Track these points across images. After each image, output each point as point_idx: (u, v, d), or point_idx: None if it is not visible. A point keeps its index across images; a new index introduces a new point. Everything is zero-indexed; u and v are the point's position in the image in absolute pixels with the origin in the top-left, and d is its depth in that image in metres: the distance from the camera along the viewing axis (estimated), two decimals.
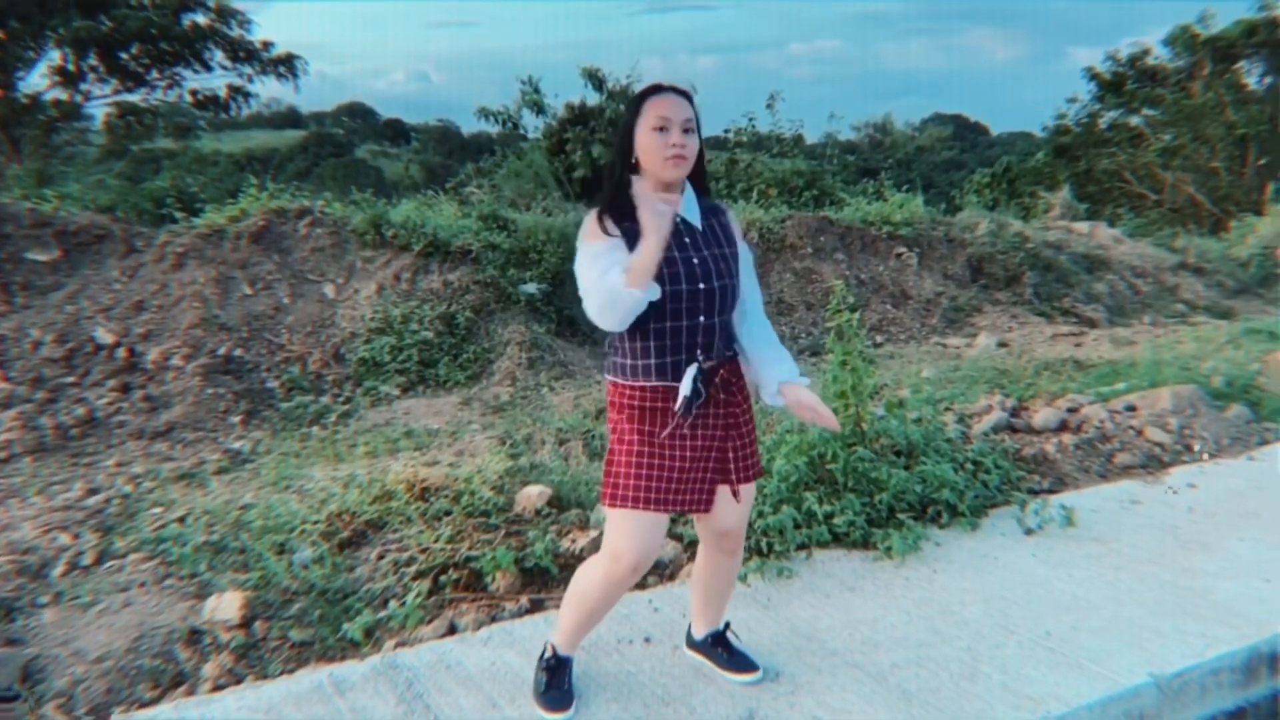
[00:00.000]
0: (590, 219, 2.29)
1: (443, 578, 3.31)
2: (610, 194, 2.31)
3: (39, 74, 20.93)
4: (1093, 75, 27.00)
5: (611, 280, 2.13)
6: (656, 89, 2.29)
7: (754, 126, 14.15)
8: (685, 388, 2.26)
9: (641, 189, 2.23)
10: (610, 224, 2.26)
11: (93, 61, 20.99)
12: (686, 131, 2.24)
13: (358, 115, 77.59)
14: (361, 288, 7.41)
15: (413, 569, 3.36)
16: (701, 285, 2.26)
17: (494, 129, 14.86)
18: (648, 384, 2.29)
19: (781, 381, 2.43)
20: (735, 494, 2.43)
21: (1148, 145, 23.86)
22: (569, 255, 6.20)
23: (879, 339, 8.64)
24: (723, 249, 2.35)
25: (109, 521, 4.12)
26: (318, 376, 6.58)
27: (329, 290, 7.38)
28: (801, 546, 3.55)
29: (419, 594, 3.19)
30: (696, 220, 2.34)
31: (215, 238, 7.54)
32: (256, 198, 8.08)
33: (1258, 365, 6.12)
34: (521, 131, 14.23)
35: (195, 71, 22.31)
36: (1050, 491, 4.31)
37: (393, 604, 3.18)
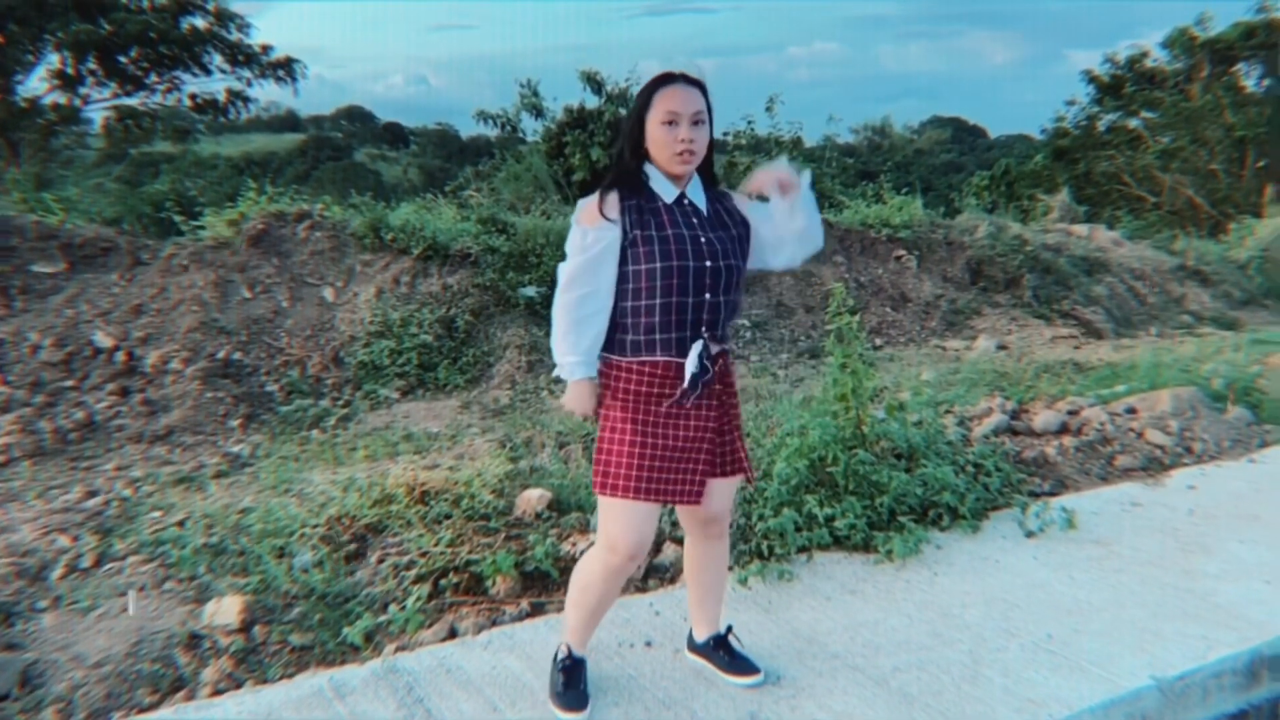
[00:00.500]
0: (589, 200, 2.29)
1: (443, 581, 3.31)
2: (615, 177, 2.32)
3: (38, 77, 20.95)
4: (1091, 78, 27.08)
5: (572, 304, 2.28)
6: (668, 79, 2.27)
7: (753, 129, 14.08)
8: (692, 364, 2.27)
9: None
10: (610, 206, 2.27)
11: (91, 65, 20.95)
12: (696, 124, 2.25)
13: (356, 118, 77.65)
14: (361, 291, 7.41)
15: (413, 573, 3.36)
16: (708, 263, 2.28)
17: (493, 132, 14.83)
18: (649, 359, 2.30)
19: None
20: (723, 476, 2.47)
21: (1146, 148, 23.86)
22: None
23: (878, 341, 8.63)
24: (729, 230, 2.37)
25: (108, 524, 4.11)
26: (317, 380, 6.58)
27: (328, 294, 7.38)
28: (802, 549, 3.55)
29: (419, 598, 3.19)
30: (703, 205, 2.36)
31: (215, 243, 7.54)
32: (255, 201, 8.07)
33: (1258, 368, 6.12)
34: (520, 135, 14.19)
35: (194, 75, 22.28)
36: (1051, 494, 4.31)
37: (393, 608, 3.18)
